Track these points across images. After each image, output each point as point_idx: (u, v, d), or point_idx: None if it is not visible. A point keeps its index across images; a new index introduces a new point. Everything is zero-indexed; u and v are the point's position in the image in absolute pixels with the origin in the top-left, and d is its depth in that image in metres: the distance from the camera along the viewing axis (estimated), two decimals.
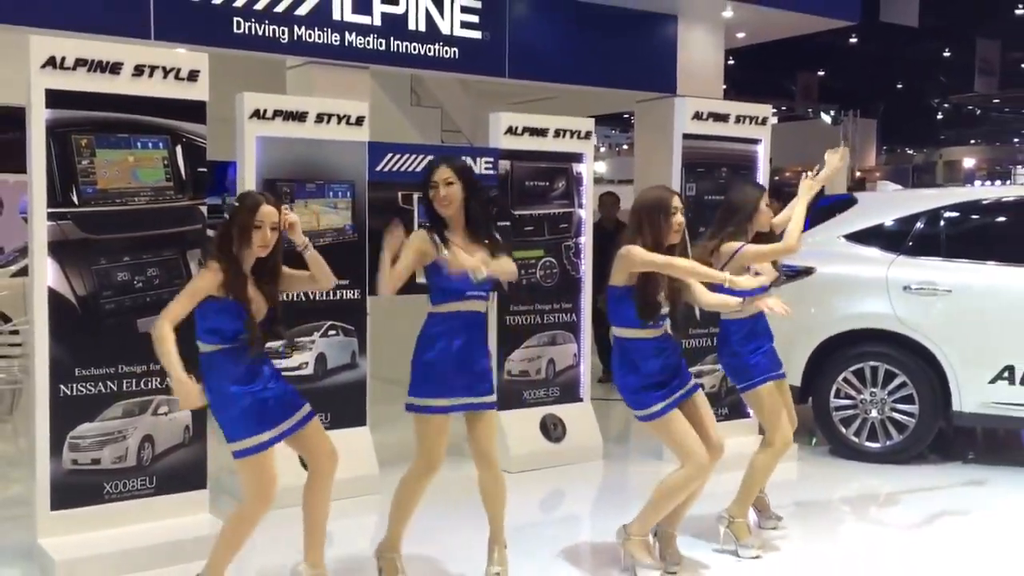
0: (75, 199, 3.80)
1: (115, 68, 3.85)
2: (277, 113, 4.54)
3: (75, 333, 3.82)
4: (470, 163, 4.94)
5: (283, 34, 5.53)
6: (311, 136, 4.62)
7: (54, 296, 3.78)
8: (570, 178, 5.54)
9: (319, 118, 4.63)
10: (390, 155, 4.86)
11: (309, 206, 4.62)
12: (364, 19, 5.82)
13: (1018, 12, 23.05)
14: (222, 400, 3.14)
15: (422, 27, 6.02)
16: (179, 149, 4.02)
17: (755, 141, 5.79)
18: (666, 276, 3.51)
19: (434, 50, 6.07)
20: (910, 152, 36.31)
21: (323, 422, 4.64)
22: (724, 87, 7.84)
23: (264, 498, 3.15)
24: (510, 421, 5.32)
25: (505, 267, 3.44)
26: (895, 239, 5.66)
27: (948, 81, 28.81)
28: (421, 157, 4.87)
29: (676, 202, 3.54)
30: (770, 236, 4.14)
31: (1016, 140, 35.97)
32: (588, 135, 5.59)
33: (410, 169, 4.86)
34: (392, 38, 5.91)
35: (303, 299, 4.55)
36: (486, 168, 5.16)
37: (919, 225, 5.64)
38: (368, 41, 5.83)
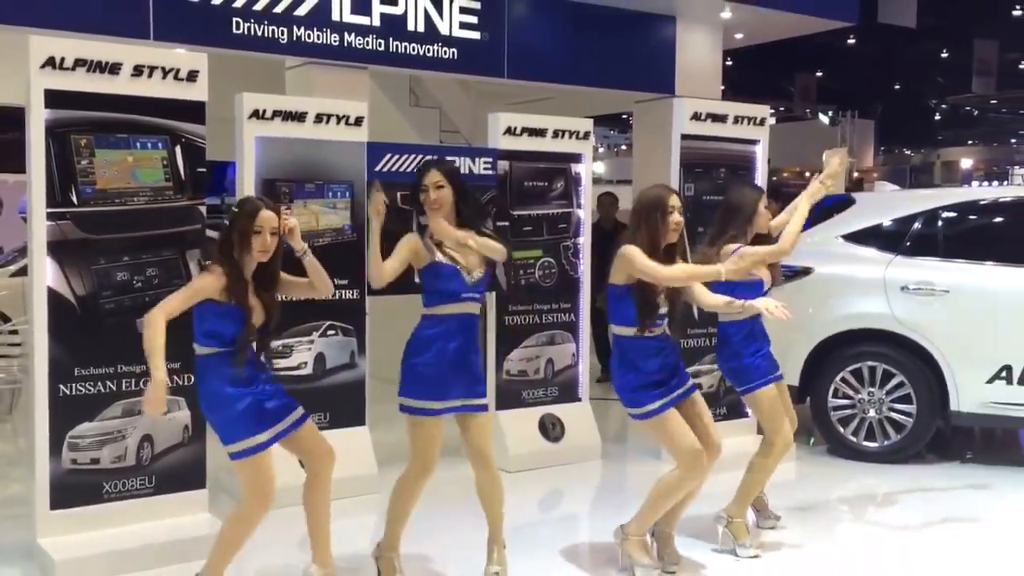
0: (74, 199, 3.80)
1: (114, 68, 3.85)
2: (276, 113, 4.54)
3: (74, 333, 3.82)
4: (459, 166, 4.99)
5: (282, 34, 5.54)
6: (310, 136, 4.62)
7: (53, 296, 3.79)
8: (569, 178, 5.55)
9: (318, 118, 4.64)
10: (389, 155, 4.87)
11: (308, 206, 4.63)
12: (363, 19, 5.83)
13: (1016, 13, 23.09)
14: (220, 401, 3.15)
15: (421, 28, 6.03)
16: (178, 149, 4.02)
17: (753, 142, 5.80)
18: None
19: (433, 50, 6.08)
20: (908, 153, 36.35)
21: (322, 422, 4.69)
22: (722, 88, 7.86)
23: (263, 498, 3.16)
24: (509, 421, 5.33)
25: (491, 244, 3.43)
26: (893, 239, 5.67)
27: (946, 82, 28.86)
28: (420, 157, 4.88)
29: (674, 201, 3.54)
30: (768, 237, 4.15)
31: (1013, 141, 36.01)
32: (587, 135, 5.60)
33: (409, 169, 4.87)
34: (391, 38, 5.92)
35: (302, 298, 4.54)
36: (485, 168, 5.17)
37: (917, 225, 5.65)
38: (367, 41, 5.84)
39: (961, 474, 5.42)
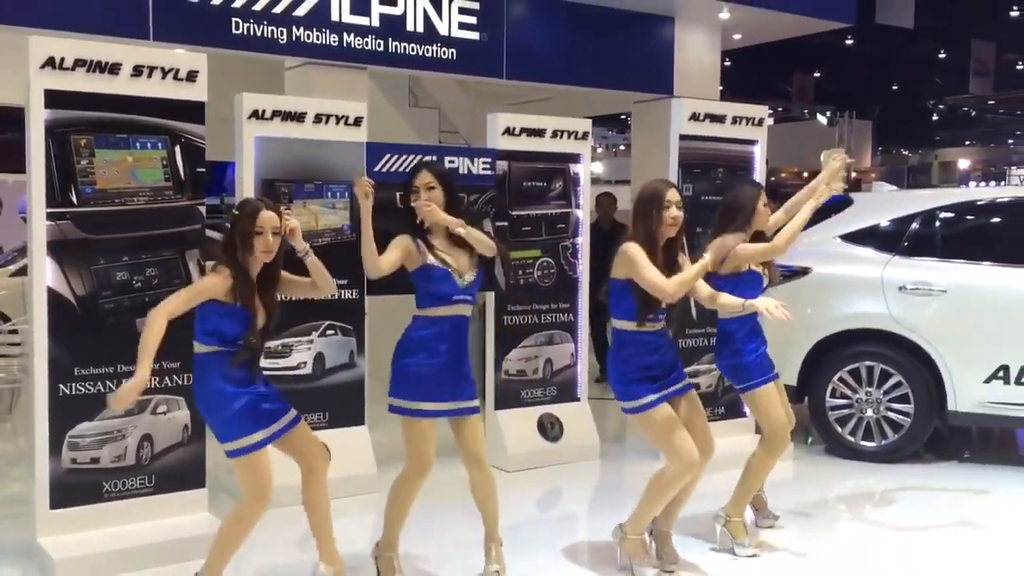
0: (74, 199, 3.81)
1: (114, 68, 3.86)
2: (275, 113, 4.55)
3: (74, 333, 3.83)
4: (458, 166, 5.01)
5: (282, 35, 5.55)
6: (309, 136, 4.63)
7: (53, 296, 3.79)
8: (567, 179, 5.56)
9: (317, 118, 4.65)
10: (388, 155, 4.88)
11: (308, 206, 4.64)
12: (362, 20, 5.84)
13: (1013, 14, 23.11)
14: (218, 399, 3.15)
15: (420, 28, 6.04)
16: (178, 149, 4.03)
17: (751, 142, 5.82)
18: (667, 272, 3.52)
19: (432, 51, 6.09)
20: (905, 153, 36.39)
21: (321, 421, 4.70)
22: (720, 88, 7.87)
23: (262, 497, 3.17)
24: (507, 420, 5.35)
25: (482, 238, 3.45)
26: (891, 239, 5.69)
27: (943, 82, 28.89)
28: (419, 158, 4.88)
29: (671, 196, 3.54)
30: (766, 236, 4.16)
31: (1011, 141, 36.05)
32: (585, 136, 5.61)
33: (408, 170, 4.87)
34: (390, 39, 5.93)
35: (301, 298, 4.55)
36: (484, 168, 5.19)
37: (914, 226, 5.67)
38: (366, 42, 5.85)
39: (958, 474, 5.43)
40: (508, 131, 5.32)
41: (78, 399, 3.84)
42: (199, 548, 3.45)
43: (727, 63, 12.06)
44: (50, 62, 3.73)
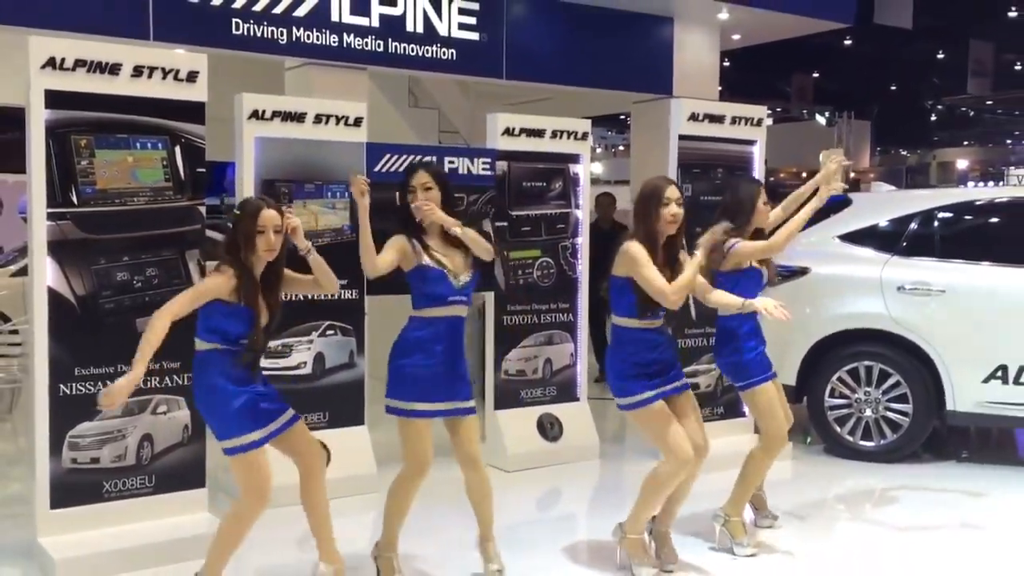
0: (74, 199, 3.81)
1: (114, 69, 3.87)
2: (275, 114, 4.56)
3: (74, 332, 3.84)
4: (457, 166, 5.02)
5: (282, 35, 5.55)
6: (309, 137, 4.64)
7: (53, 296, 3.80)
8: (567, 179, 5.57)
9: (317, 119, 4.66)
10: (388, 156, 4.88)
11: (307, 206, 4.64)
12: (362, 20, 5.84)
13: (1011, 14, 23.15)
14: (217, 397, 3.16)
15: (420, 28, 6.04)
16: (178, 149, 4.03)
17: (750, 142, 5.83)
18: (667, 271, 3.53)
19: (432, 51, 6.09)
20: (904, 153, 36.43)
21: (321, 421, 4.71)
22: (719, 89, 7.88)
23: (260, 495, 3.17)
24: (507, 420, 5.35)
25: (479, 240, 3.45)
26: (889, 240, 5.70)
27: (942, 83, 28.93)
28: (419, 158, 4.89)
29: (671, 193, 3.54)
30: (765, 233, 4.19)
31: (1009, 141, 36.11)
32: (585, 136, 5.62)
33: (404, 169, 4.87)
34: (390, 39, 5.94)
35: (301, 298, 4.56)
36: (484, 169, 5.19)
37: (913, 226, 5.68)
38: (366, 42, 5.85)
39: (957, 473, 5.44)
40: (508, 131, 5.32)
41: (78, 399, 3.84)
42: (199, 548, 3.46)
43: (726, 63, 12.06)
44: (50, 62, 3.74)
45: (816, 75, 28.22)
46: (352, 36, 5.80)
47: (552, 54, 6.68)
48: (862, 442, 5.57)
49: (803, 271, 5.73)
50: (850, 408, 5.59)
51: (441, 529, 4.20)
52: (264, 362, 3.49)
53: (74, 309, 3.83)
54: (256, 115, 4.51)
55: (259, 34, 5.47)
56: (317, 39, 5.66)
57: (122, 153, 3.91)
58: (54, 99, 3.75)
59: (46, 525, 3.78)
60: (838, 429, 5.62)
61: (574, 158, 5.59)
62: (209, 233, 4.19)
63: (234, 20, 5.39)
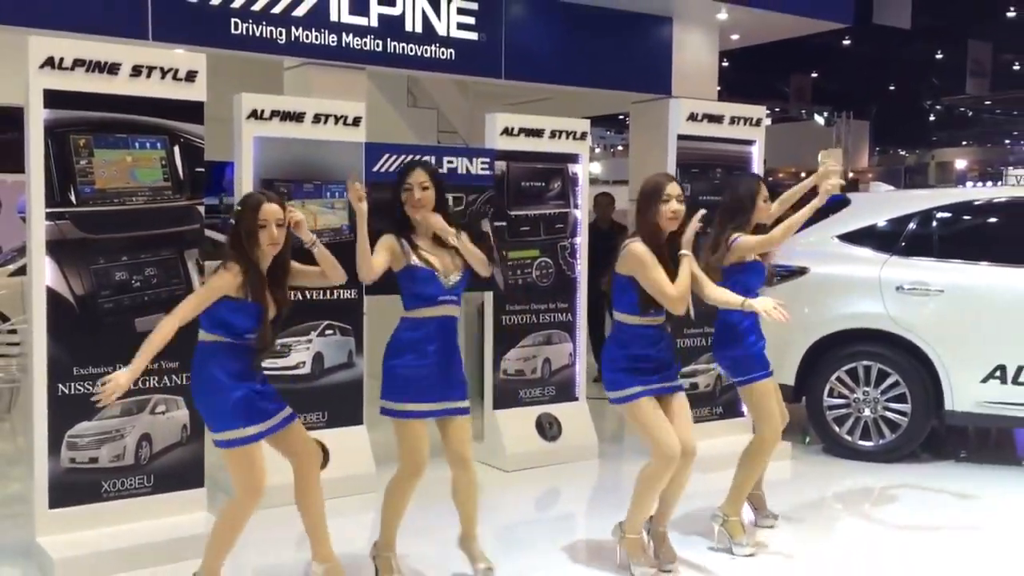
0: (73, 199, 3.81)
1: (113, 68, 3.87)
2: (274, 113, 4.56)
3: (73, 332, 3.84)
4: (456, 166, 5.03)
5: (280, 35, 5.55)
6: (308, 136, 4.64)
7: (52, 295, 3.80)
8: (566, 179, 5.57)
9: (316, 119, 4.66)
10: (387, 156, 4.88)
11: (306, 206, 4.64)
12: (361, 20, 5.84)
13: (1010, 15, 23.17)
14: (214, 389, 3.15)
15: (419, 28, 6.04)
16: (177, 149, 4.03)
17: (749, 142, 5.84)
18: (670, 268, 3.54)
19: (430, 51, 6.09)
20: (902, 153, 36.46)
21: (320, 421, 4.71)
22: (718, 89, 7.88)
23: (254, 490, 3.17)
24: (506, 420, 5.36)
25: (477, 254, 3.46)
26: (888, 239, 5.70)
27: (940, 83, 28.95)
28: (417, 158, 4.89)
29: (671, 189, 3.54)
30: (767, 228, 4.22)
31: (1007, 142, 36.14)
32: (583, 136, 5.62)
33: (400, 167, 4.88)
34: (389, 39, 5.94)
35: (301, 298, 4.57)
36: (482, 168, 5.19)
37: (912, 226, 5.69)
38: (365, 42, 5.85)
39: (955, 473, 5.45)
40: (506, 131, 5.32)
41: (77, 399, 3.84)
42: (198, 547, 3.46)
43: (725, 63, 12.08)
44: (49, 62, 3.74)
45: (815, 75, 28.24)
46: (351, 36, 5.80)
47: (551, 54, 6.68)
48: (861, 442, 5.57)
49: (802, 271, 5.74)
50: (849, 408, 5.60)
51: (439, 528, 4.19)
52: (263, 362, 3.48)
53: (73, 309, 3.83)
54: (255, 115, 4.51)
55: (258, 34, 5.47)
56: (316, 39, 5.66)
57: (121, 153, 3.91)
58: (53, 99, 3.75)
59: (45, 525, 3.78)
60: (837, 429, 5.62)
61: (573, 158, 5.59)
62: (208, 233, 4.19)
63: (233, 20, 5.39)
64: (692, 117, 5.59)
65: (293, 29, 5.59)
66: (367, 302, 4.92)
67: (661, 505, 3.76)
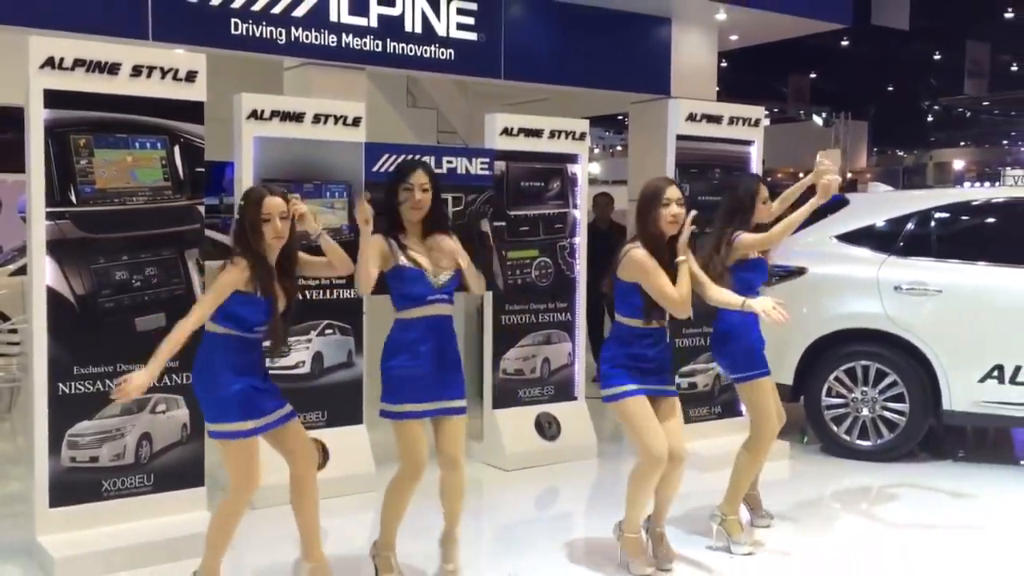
0: (73, 198, 3.82)
1: (113, 68, 3.88)
2: (274, 114, 4.57)
3: (73, 332, 3.85)
4: (456, 166, 5.05)
5: (280, 35, 5.55)
6: (308, 136, 4.65)
7: (53, 295, 3.81)
8: (565, 179, 5.58)
9: (316, 119, 4.67)
10: (386, 156, 4.89)
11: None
12: (360, 20, 5.84)
13: (1008, 16, 23.20)
14: (216, 379, 3.16)
15: (418, 29, 6.05)
16: (177, 149, 4.05)
17: (748, 143, 5.85)
18: (670, 272, 3.54)
19: (430, 52, 6.09)
20: (901, 154, 36.50)
21: (319, 420, 4.72)
22: (717, 89, 7.89)
23: (248, 483, 3.19)
24: (505, 419, 5.37)
25: (478, 277, 3.50)
26: (886, 240, 5.72)
27: (938, 83, 28.99)
28: (417, 158, 4.89)
29: (671, 193, 3.55)
30: (768, 226, 4.23)
31: (1005, 142, 36.17)
32: (583, 136, 5.63)
33: (398, 165, 4.88)
34: (388, 39, 5.94)
35: (301, 298, 4.57)
36: (482, 169, 5.20)
37: (910, 226, 5.70)
38: (365, 42, 5.85)
39: (953, 472, 5.46)
40: (506, 131, 5.34)
41: (77, 398, 3.85)
42: (198, 546, 3.46)
43: (723, 64, 12.11)
44: (50, 62, 3.75)
45: (813, 76, 28.27)
46: (350, 36, 5.80)
47: (550, 54, 6.69)
48: (859, 441, 5.58)
49: (800, 271, 5.75)
50: (847, 407, 5.61)
51: (439, 528, 4.20)
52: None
53: (73, 308, 3.84)
54: (255, 115, 4.52)
55: (258, 34, 5.47)
56: (316, 39, 5.66)
57: (121, 153, 3.92)
58: (53, 99, 3.76)
59: (45, 524, 3.79)
60: (835, 428, 5.64)
61: (572, 158, 5.60)
62: (208, 233, 4.20)
63: (233, 20, 5.39)
64: (691, 117, 5.61)
65: (293, 29, 5.59)
66: (367, 302, 4.92)
67: (656, 505, 3.78)
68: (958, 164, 30.59)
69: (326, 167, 4.72)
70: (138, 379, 3.00)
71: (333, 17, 5.72)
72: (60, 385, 3.82)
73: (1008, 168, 27.72)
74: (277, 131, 4.57)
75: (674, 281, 3.52)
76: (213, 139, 4.18)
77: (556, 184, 5.54)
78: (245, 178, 4.51)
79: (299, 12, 5.60)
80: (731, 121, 5.75)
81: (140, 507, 3.97)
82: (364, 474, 4.76)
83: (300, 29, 5.61)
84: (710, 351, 4.52)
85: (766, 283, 4.30)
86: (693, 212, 3.63)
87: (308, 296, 4.63)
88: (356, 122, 4.79)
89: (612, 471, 5.52)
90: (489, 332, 5.39)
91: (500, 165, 5.31)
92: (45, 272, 3.79)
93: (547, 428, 5.47)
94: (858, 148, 28.51)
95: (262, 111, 4.53)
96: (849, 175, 22.67)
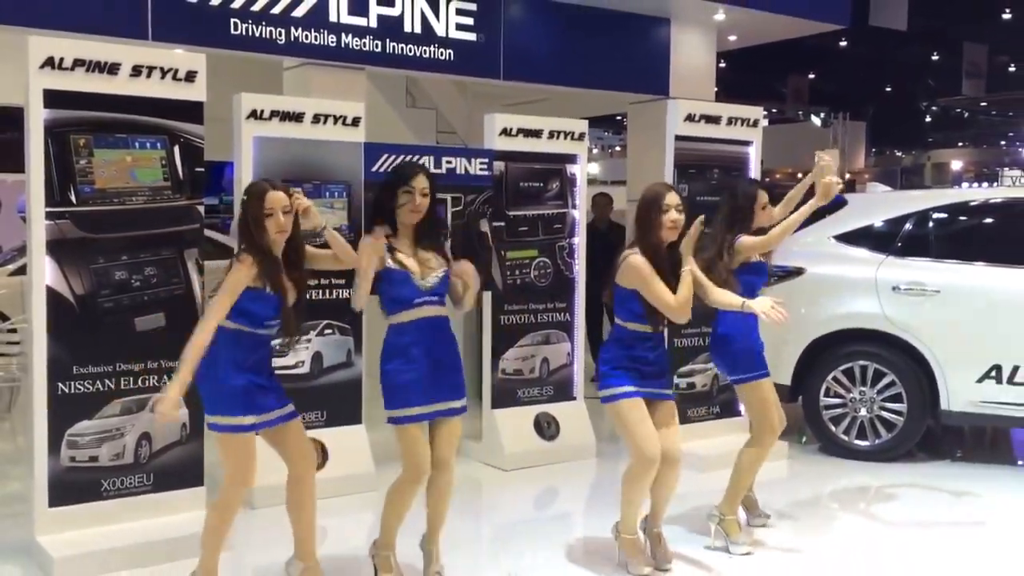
0: (73, 198, 3.82)
1: (113, 68, 3.88)
2: (274, 114, 4.57)
3: (73, 331, 3.85)
4: (455, 166, 5.04)
5: (280, 35, 5.56)
6: (308, 137, 4.65)
7: (52, 295, 3.81)
8: (564, 179, 5.59)
9: (315, 119, 4.67)
10: (386, 156, 4.89)
11: None
12: (360, 21, 5.85)
13: (1005, 17, 23.24)
14: (220, 371, 3.16)
15: (418, 29, 6.05)
16: (177, 149, 4.04)
17: (746, 143, 5.86)
18: (671, 278, 3.55)
19: (429, 52, 6.10)
20: (899, 154, 36.55)
21: (319, 420, 4.72)
22: (715, 90, 7.90)
23: (242, 480, 3.19)
24: (504, 419, 5.37)
25: (473, 295, 3.50)
26: (884, 240, 5.73)
27: (936, 84, 29.04)
28: (416, 158, 4.90)
29: (670, 199, 3.56)
30: (767, 230, 4.24)
31: (1003, 143, 36.22)
32: (582, 136, 5.64)
33: (399, 167, 4.88)
34: (388, 40, 5.95)
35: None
36: (481, 169, 5.21)
37: (908, 226, 5.71)
38: (364, 43, 5.86)
39: (951, 472, 5.47)
40: (505, 132, 5.34)
41: (77, 398, 3.85)
42: (197, 546, 3.45)
43: (722, 64, 12.11)
44: (49, 62, 3.75)
45: (812, 76, 28.32)
46: (350, 36, 5.81)
47: (549, 55, 6.70)
48: (857, 441, 5.59)
49: (798, 271, 5.76)
50: (845, 408, 5.62)
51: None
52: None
53: (73, 308, 3.84)
54: (254, 115, 4.52)
55: (257, 34, 5.48)
56: (315, 39, 5.67)
57: (121, 152, 3.92)
58: (53, 99, 3.76)
59: (44, 523, 3.79)
60: (833, 428, 5.65)
61: (571, 158, 5.61)
62: (208, 233, 4.20)
63: (232, 20, 5.39)
64: (690, 118, 5.61)
65: (292, 29, 5.60)
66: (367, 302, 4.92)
67: (652, 506, 3.78)
68: (956, 164, 30.64)
69: (325, 167, 4.72)
70: (172, 392, 3.00)
71: (332, 17, 5.73)
72: (60, 385, 3.82)
73: (1006, 168, 27.78)
74: (277, 131, 4.57)
75: (676, 285, 3.53)
76: (213, 139, 4.18)
77: (555, 184, 5.55)
78: (245, 178, 4.50)
79: (299, 12, 5.61)
80: (730, 122, 5.75)
81: (139, 507, 3.97)
82: (363, 474, 4.77)
83: (300, 29, 5.62)
84: (709, 351, 4.52)
85: (765, 284, 4.31)
86: (702, 216, 3.64)
87: (308, 296, 4.62)
88: (355, 122, 4.80)
89: (611, 471, 5.52)
90: (488, 332, 5.40)
91: (499, 165, 5.32)
92: (45, 272, 3.79)
93: (546, 428, 5.48)
94: (856, 148, 28.56)
95: (262, 111, 4.54)
96: (847, 175, 22.70)
